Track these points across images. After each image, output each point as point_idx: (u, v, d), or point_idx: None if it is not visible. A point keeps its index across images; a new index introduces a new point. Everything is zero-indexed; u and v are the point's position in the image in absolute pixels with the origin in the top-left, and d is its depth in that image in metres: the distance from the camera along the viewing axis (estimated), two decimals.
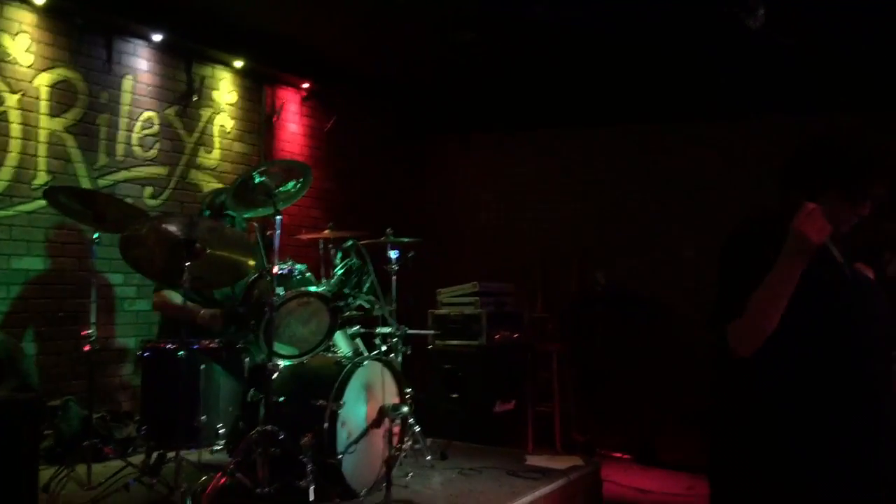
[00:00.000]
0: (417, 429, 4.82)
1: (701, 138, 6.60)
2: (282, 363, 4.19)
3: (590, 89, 6.75)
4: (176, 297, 4.58)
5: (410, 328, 5.05)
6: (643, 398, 6.48)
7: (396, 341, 4.83)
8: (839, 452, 2.04)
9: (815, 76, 5.83)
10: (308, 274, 4.41)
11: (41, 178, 5.11)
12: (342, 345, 4.76)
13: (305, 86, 7.07)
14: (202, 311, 4.48)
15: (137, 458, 4.27)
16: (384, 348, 4.80)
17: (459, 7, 5.86)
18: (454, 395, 6.03)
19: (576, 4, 5.47)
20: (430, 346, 6.22)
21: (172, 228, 3.86)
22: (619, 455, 6.39)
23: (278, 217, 4.02)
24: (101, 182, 5.46)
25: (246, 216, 4.58)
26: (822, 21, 5.13)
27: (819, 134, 2.20)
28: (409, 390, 4.51)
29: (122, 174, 5.61)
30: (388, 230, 5.11)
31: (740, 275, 2.09)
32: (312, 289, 4.30)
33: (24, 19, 5.02)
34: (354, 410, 4.15)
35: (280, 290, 4.05)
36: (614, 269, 6.88)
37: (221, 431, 4.01)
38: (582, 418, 6.57)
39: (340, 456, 3.93)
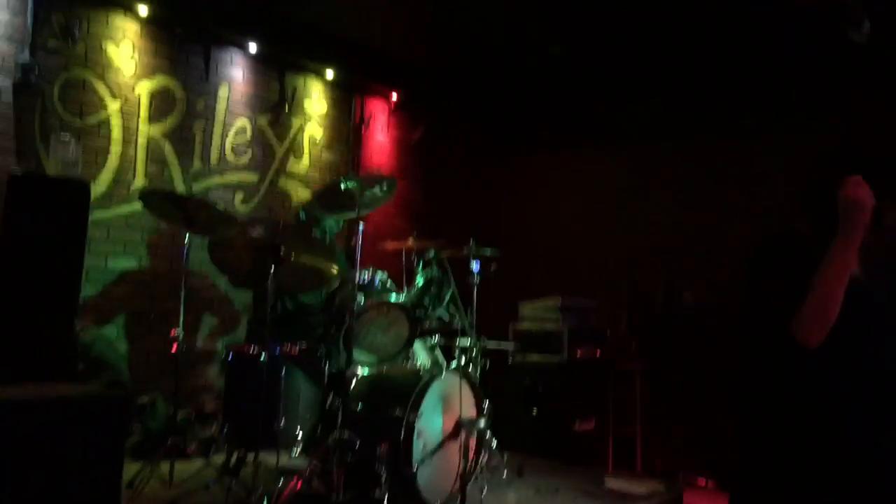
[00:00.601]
0: (494, 443, 4.76)
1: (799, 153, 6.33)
2: (360, 370, 4.21)
3: (683, 101, 6.57)
4: None
5: (490, 340, 5.01)
6: (728, 422, 6.23)
7: (475, 354, 4.79)
8: (859, 459, 2.07)
9: None
10: (389, 283, 4.42)
11: (139, 181, 5.29)
12: (422, 355, 4.75)
13: (394, 97, 7.14)
14: None
15: (219, 459, 4.36)
16: (463, 360, 4.77)
17: (550, 19, 5.81)
18: (533, 411, 5.94)
19: (668, 15, 5.34)
20: (510, 360, 6.15)
21: (258, 233, 3.93)
22: (702, 481, 6.17)
23: (360, 224, 4.04)
24: (195, 186, 5.62)
25: (332, 221, 4.67)
26: None
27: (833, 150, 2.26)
28: (486, 404, 4.46)
29: (216, 179, 5.77)
30: (470, 241, 5.07)
31: (782, 277, 2.13)
32: (393, 298, 4.31)
33: (129, 28, 5.22)
34: (431, 422, 4.13)
35: (361, 298, 4.07)
36: (703, 287, 6.66)
37: (300, 436, 4.05)
38: (664, 441, 6.37)
39: (416, 467, 3.91)
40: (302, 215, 4.91)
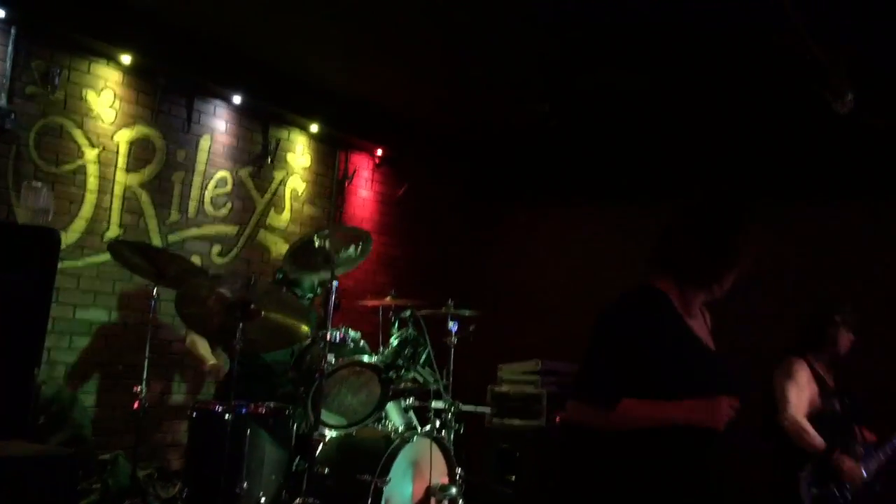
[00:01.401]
0: None
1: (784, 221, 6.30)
2: (329, 433, 4.07)
3: (666, 164, 6.58)
4: (203, 344, 4.83)
5: (466, 404, 4.88)
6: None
7: (450, 417, 4.65)
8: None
9: None
10: (362, 342, 4.32)
11: (113, 231, 5.20)
12: (395, 417, 4.62)
13: (379, 152, 7.11)
14: (209, 363, 4.73)
15: None
16: (437, 423, 4.63)
17: (536, 78, 5.83)
18: (511, 478, 5.77)
19: (657, 75, 5.36)
20: (488, 424, 6.00)
21: (229, 288, 3.83)
22: None
23: (335, 283, 3.95)
24: (171, 238, 5.53)
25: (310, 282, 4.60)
26: None
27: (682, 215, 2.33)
28: (459, 470, 4.31)
29: (193, 231, 5.68)
30: (449, 301, 4.99)
31: (615, 356, 2.18)
32: (365, 358, 4.20)
33: (110, 77, 5.19)
34: (400, 488, 3.99)
35: (332, 358, 3.96)
36: None
37: (263, 501, 3.89)
38: None
39: None
40: (279, 276, 4.80)
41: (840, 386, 4.15)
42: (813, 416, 3.99)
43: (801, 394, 3.99)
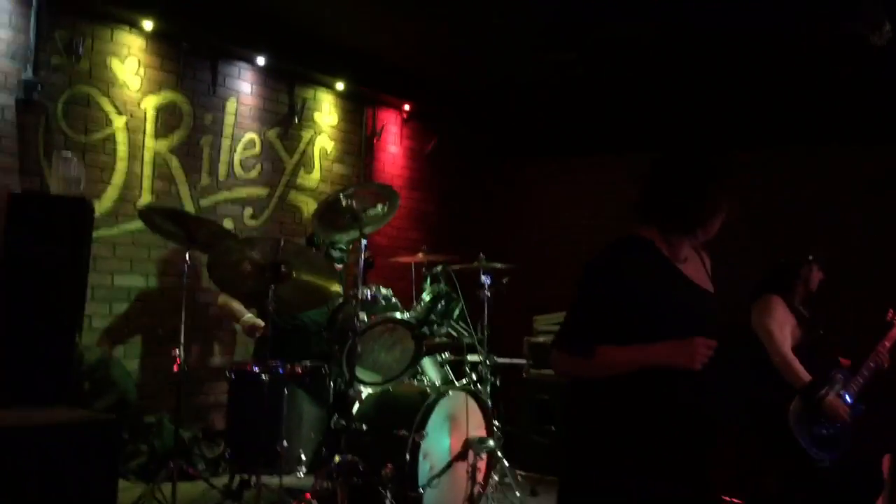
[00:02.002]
0: (506, 463, 4.63)
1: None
2: (365, 390, 4.10)
3: (694, 112, 6.43)
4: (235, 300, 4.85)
5: (504, 356, 4.88)
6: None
7: (486, 371, 4.66)
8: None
9: None
10: (394, 300, 4.33)
11: (146, 197, 5.24)
12: (431, 372, 4.64)
13: (406, 107, 7.04)
14: (245, 317, 4.78)
15: (223, 480, 4.29)
16: (473, 377, 4.65)
17: (561, 27, 5.69)
18: (549, 428, 5.78)
19: (680, 19, 5.21)
20: (525, 375, 6.00)
21: (259, 251, 3.85)
22: (726, 498, 5.97)
23: (364, 241, 3.94)
24: (203, 202, 5.56)
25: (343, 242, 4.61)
26: None
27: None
28: (496, 423, 4.33)
29: (224, 194, 5.70)
30: (480, 255, 4.96)
31: (596, 308, 2.23)
32: (398, 315, 4.21)
33: (133, 44, 5.18)
34: (438, 442, 4.02)
35: (364, 316, 3.97)
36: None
37: (303, 458, 3.97)
38: None
39: (422, 489, 3.81)
40: (316, 240, 4.78)
41: (814, 318, 4.32)
42: (796, 345, 4.12)
43: (783, 328, 4.11)
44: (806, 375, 4.00)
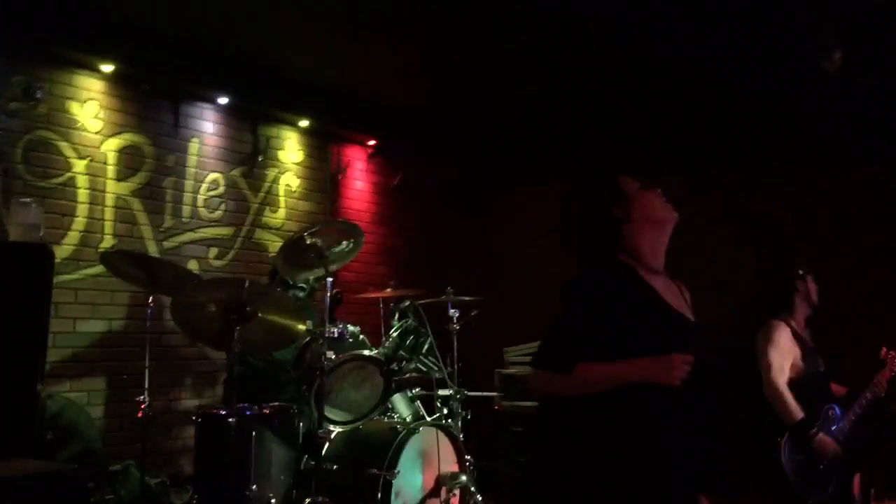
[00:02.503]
0: (479, 497, 4.58)
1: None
2: (335, 429, 4.06)
3: (668, 139, 6.49)
4: None
5: (475, 389, 4.85)
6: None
7: (456, 404, 4.64)
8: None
9: None
10: (361, 337, 4.30)
11: (107, 241, 5.17)
12: (402, 408, 4.60)
13: (371, 143, 7.06)
14: None
15: None
16: (445, 411, 4.62)
17: (526, 56, 5.74)
18: (523, 460, 5.75)
19: (651, 45, 5.27)
20: (497, 408, 5.97)
21: (224, 292, 3.81)
22: None
23: (329, 279, 3.93)
24: (167, 244, 5.50)
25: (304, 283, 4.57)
26: None
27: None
28: (468, 457, 4.30)
29: (188, 235, 5.65)
30: (448, 289, 4.96)
31: (575, 326, 2.24)
32: (365, 352, 4.18)
33: (93, 87, 5.14)
34: (410, 479, 3.98)
35: (331, 354, 3.94)
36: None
37: (273, 502, 3.89)
38: None
39: None
40: (276, 276, 4.75)
41: (818, 343, 4.29)
42: (797, 378, 4.09)
43: (783, 357, 4.08)
44: (797, 412, 3.96)
